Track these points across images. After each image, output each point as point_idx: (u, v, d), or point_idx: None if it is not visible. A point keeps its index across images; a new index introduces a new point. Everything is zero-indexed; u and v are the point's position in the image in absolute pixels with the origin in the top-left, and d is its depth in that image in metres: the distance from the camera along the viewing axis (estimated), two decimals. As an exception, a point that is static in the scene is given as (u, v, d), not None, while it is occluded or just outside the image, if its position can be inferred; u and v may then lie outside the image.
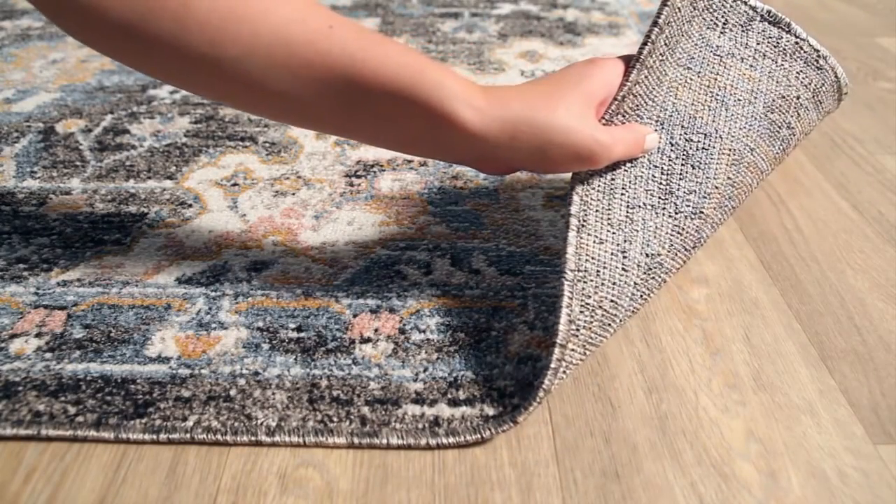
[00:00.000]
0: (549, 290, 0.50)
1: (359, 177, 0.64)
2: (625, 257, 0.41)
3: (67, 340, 0.45)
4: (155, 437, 0.39)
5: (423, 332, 0.46)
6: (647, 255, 0.41)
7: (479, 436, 0.39)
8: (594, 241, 0.40)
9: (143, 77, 0.84)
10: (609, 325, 0.41)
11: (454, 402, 0.41)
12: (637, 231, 0.41)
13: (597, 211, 0.41)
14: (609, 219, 0.41)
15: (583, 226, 0.41)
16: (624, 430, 0.40)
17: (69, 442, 0.39)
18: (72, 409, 0.41)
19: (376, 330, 0.46)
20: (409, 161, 0.66)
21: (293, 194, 0.61)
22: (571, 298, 0.39)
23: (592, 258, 0.40)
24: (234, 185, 0.62)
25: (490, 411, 0.40)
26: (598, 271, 0.40)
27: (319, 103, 0.39)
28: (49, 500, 0.37)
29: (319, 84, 0.37)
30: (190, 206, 0.60)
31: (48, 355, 0.44)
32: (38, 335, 0.46)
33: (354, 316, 0.48)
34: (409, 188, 0.62)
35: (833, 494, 0.37)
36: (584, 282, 0.39)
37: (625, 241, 0.41)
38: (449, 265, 0.52)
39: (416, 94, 0.37)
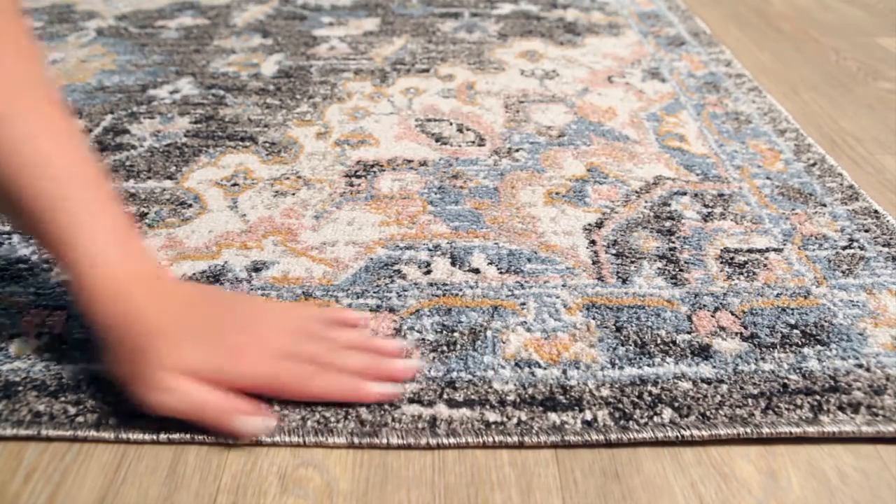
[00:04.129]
0: (550, 290, 0.50)
1: (359, 177, 0.64)
2: None
3: (67, 341, 0.45)
4: (155, 437, 0.39)
5: (420, 331, 0.46)
6: None
7: (481, 440, 0.39)
8: None
9: (143, 77, 0.84)
10: None
11: (452, 403, 0.41)
12: None
13: None
14: None
15: None
16: (624, 430, 0.40)
17: (69, 442, 0.39)
18: (72, 410, 0.40)
19: (374, 329, 0.46)
20: (409, 161, 0.66)
21: (293, 194, 0.61)
22: None
23: None
24: (234, 185, 0.62)
25: (491, 416, 0.40)
26: None
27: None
28: (49, 500, 0.37)
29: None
30: (190, 206, 0.60)
31: (48, 355, 0.44)
32: (38, 335, 0.46)
33: (354, 316, 0.48)
34: (409, 188, 0.62)
35: (833, 494, 0.37)
36: None
37: None
38: (449, 264, 0.52)
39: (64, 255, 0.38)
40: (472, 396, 0.41)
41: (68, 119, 0.39)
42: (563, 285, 0.50)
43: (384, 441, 0.39)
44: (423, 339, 0.45)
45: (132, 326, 0.38)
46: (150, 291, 0.40)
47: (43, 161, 0.37)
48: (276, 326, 0.41)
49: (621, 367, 0.43)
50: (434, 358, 0.44)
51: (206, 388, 0.38)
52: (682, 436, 0.39)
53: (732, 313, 0.47)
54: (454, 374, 0.43)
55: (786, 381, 0.42)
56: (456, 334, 0.46)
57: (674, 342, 0.45)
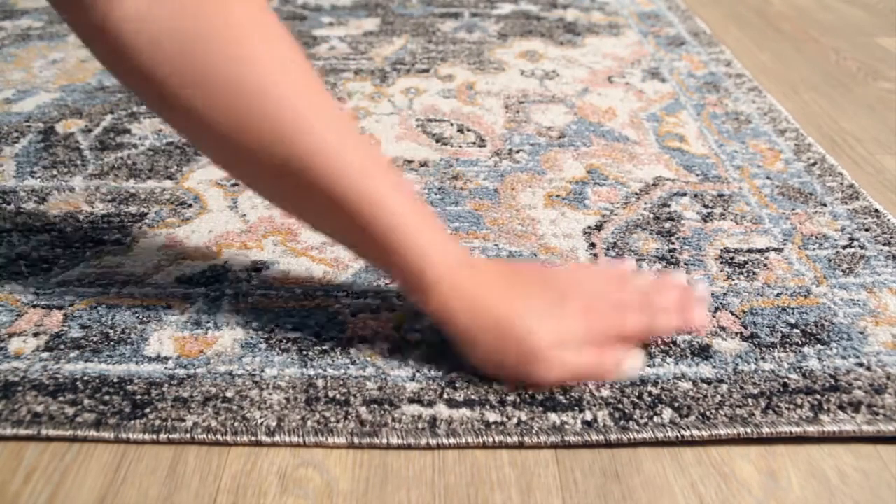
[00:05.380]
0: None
1: (359, 177, 0.63)
2: None
3: (65, 340, 0.45)
4: (155, 436, 0.39)
5: (419, 331, 0.46)
6: None
7: (481, 440, 0.39)
8: None
9: (143, 77, 0.84)
10: None
11: (452, 403, 0.41)
12: None
13: None
14: None
15: None
16: (624, 430, 0.40)
17: (69, 442, 0.39)
18: (70, 410, 0.40)
19: (373, 329, 0.46)
20: (410, 161, 0.66)
21: (293, 194, 0.61)
22: None
23: None
24: (235, 185, 0.62)
25: (491, 417, 0.40)
26: None
27: (322, 225, 0.42)
28: (49, 500, 0.36)
29: (327, 215, 0.40)
30: (190, 206, 0.60)
31: (45, 355, 0.44)
32: (36, 335, 0.46)
33: (353, 315, 0.47)
34: (409, 188, 0.62)
35: (833, 494, 0.37)
36: None
37: None
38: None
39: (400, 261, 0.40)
40: (472, 396, 0.41)
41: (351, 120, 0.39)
42: (563, 285, 0.50)
43: (384, 441, 0.39)
44: (423, 339, 0.45)
45: (503, 316, 0.40)
46: (494, 280, 0.42)
47: (359, 166, 0.39)
48: (591, 285, 0.44)
49: (621, 367, 0.43)
50: (434, 357, 0.44)
51: (576, 352, 0.41)
52: (682, 436, 0.39)
53: (732, 313, 0.47)
54: (454, 374, 0.43)
55: (786, 380, 0.42)
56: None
57: (674, 342, 0.45)
